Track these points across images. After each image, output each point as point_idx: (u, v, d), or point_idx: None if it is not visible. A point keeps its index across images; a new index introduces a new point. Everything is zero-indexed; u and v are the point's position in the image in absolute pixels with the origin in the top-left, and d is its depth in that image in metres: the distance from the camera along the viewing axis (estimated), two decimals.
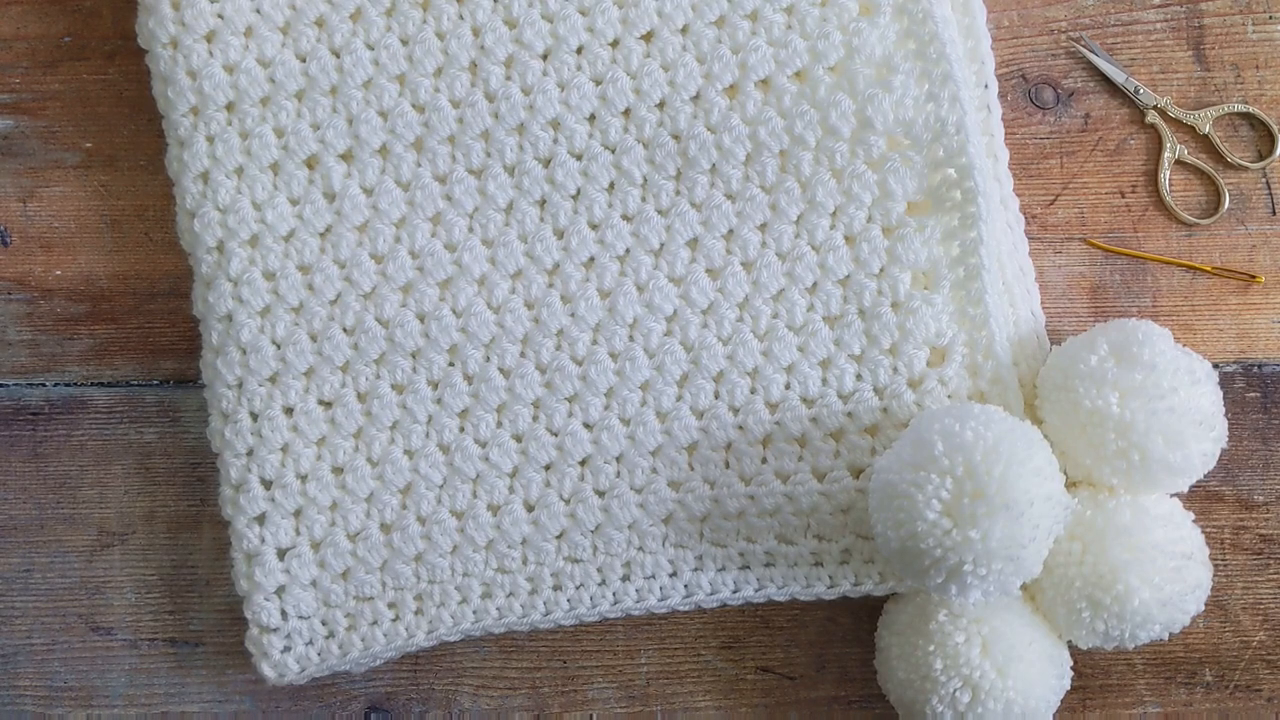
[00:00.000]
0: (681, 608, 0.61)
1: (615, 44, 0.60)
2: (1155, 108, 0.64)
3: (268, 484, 0.60)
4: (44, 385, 0.65)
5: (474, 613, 0.61)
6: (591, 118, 0.60)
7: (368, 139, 0.60)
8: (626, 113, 0.60)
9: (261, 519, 0.60)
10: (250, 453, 0.60)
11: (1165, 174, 0.64)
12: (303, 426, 0.60)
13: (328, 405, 0.61)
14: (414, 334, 0.60)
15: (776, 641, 0.65)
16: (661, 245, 0.61)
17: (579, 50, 0.60)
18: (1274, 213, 0.65)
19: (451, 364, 0.61)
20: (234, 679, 0.65)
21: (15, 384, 0.65)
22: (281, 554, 0.60)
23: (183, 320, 0.64)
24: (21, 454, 0.65)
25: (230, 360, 0.60)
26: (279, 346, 0.60)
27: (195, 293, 0.61)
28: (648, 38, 0.60)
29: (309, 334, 0.60)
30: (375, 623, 0.61)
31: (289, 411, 0.60)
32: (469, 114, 0.60)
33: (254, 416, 0.60)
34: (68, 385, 0.65)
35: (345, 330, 0.60)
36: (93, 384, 0.65)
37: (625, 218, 0.61)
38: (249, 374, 0.60)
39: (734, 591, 0.61)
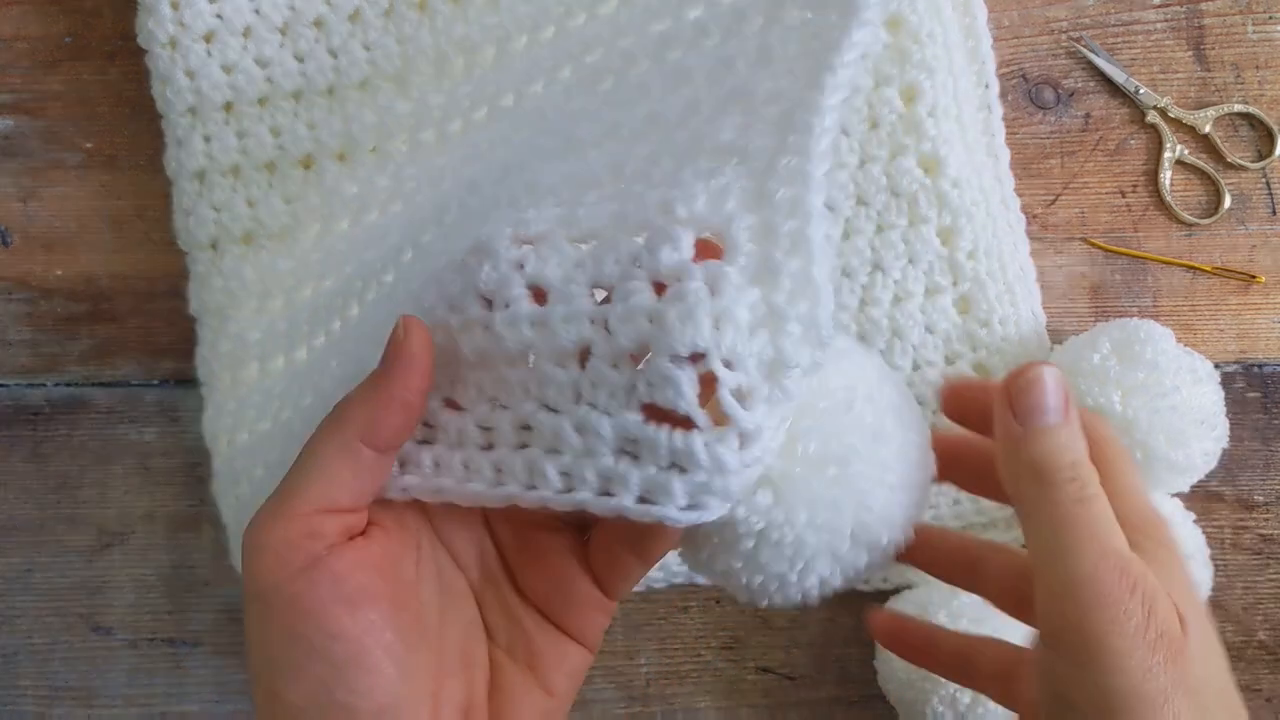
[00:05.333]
0: None
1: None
2: (1155, 108, 0.64)
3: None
4: (44, 385, 0.65)
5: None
6: None
7: (361, 139, 0.60)
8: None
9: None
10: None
11: (1165, 174, 0.64)
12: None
13: None
14: None
15: (777, 642, 0.65)
16: None
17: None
18: (1274, 213, 0.65)
19: None
20: (234, 679, 0.65)
21: (15, 384, 0.65)
22: None
23: (183, 320, 0.64)
24: (21, 454, 0.65)
25: None
26: None
27: (191, 291, 0.61)
28: None
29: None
30: None
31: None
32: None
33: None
34: (68, 385, 0.65)
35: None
36: (93, 384, 0.65)
37: None
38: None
39: None
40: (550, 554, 0.42)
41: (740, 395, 0.35)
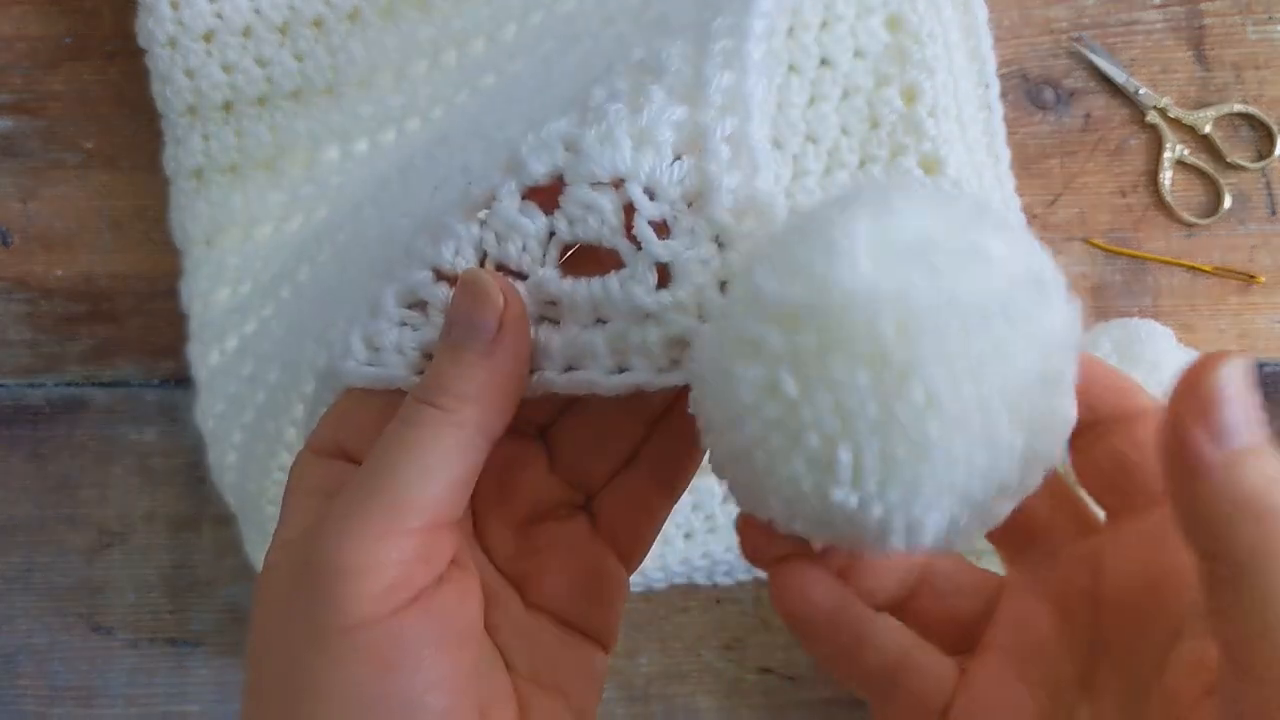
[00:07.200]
0: None
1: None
2: (1155, 108, 0.64)
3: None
4: (44, 385, 0.65)
5: None
6: None
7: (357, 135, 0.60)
8: None
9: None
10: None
11: (1165, 174, 0.64)
12: None
13: None
14: None
15: (777, 642, 0.65)
16: None
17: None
18: (1274, 213, 0.65)
19: None
20: (235, 679, 0.65)
21: (15, 384, 0.65)
22: None
23: (183, 320, 0.64)
24: (21, 454, 0.65)
25: None
26: None
27: (183, 288, 0.61)
28: None
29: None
30: None
31: None
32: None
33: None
34: (68, 385, 0.65)
35: None
36: (93, 384, 0.65)
37: None
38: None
39: None
40: (562, 542, 0.36)
41: (659, 226, 0.31)
